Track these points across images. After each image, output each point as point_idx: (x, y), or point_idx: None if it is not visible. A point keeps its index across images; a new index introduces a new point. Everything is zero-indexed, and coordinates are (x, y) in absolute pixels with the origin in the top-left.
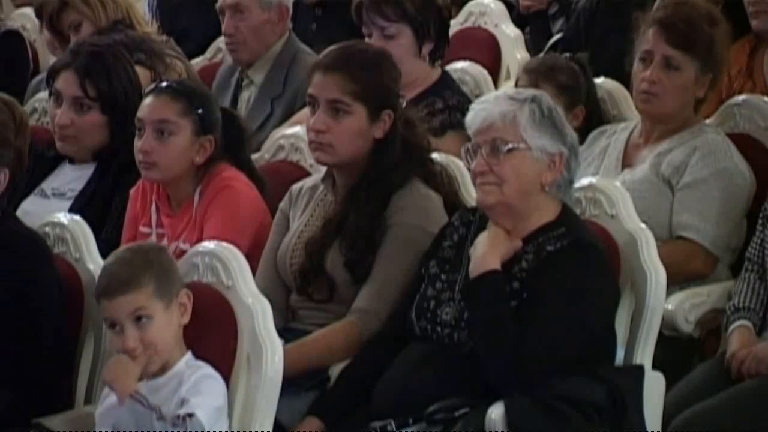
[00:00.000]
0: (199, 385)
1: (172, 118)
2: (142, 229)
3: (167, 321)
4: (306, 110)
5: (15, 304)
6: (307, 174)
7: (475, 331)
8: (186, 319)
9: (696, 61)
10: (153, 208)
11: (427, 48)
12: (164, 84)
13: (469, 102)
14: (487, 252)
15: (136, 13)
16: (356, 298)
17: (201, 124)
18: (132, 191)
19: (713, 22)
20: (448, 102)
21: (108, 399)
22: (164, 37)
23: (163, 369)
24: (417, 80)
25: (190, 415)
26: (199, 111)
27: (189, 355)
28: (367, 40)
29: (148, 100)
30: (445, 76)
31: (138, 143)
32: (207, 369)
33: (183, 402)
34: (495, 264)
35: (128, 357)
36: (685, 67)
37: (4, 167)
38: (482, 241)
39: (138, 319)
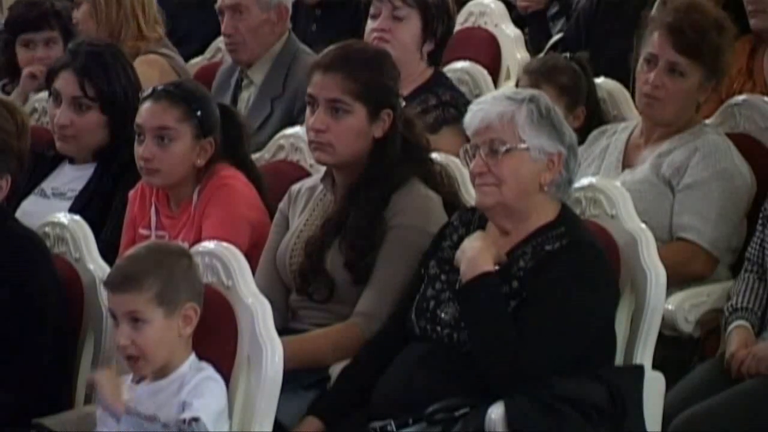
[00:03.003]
0: (200, 388)
1: (172, 124)
2: (142, 231)
3: (165, 328)
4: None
5: (14, 305)
6: (307, 174)
7: (472, 334)
8: (188, 332)
9: (701, 68)
10: (152, 210)
11: (427, 47)
12: (162, 88)
13: (463, 98)
14: (478, 254)
15: (148, 11)
16: (358, 302)
17: (201, 128)
18: (130, 194)
19: (721, 30)
20: (442, 98)
21: None
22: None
23: (165, 371)
24: (411, 76)
25: (195, 419)
26: (199, 114)
27: (193, 357)
28: (370, 22)
29: (146, 105)
30: (439, 73)
31: (138, 149)
32: (208, 371)
33: (185, 405)
34: (488, 266)
35: (111, 372)
36: (690, 73)
37: (6, 174)
38: (471, 243)
39: (135, 319)
